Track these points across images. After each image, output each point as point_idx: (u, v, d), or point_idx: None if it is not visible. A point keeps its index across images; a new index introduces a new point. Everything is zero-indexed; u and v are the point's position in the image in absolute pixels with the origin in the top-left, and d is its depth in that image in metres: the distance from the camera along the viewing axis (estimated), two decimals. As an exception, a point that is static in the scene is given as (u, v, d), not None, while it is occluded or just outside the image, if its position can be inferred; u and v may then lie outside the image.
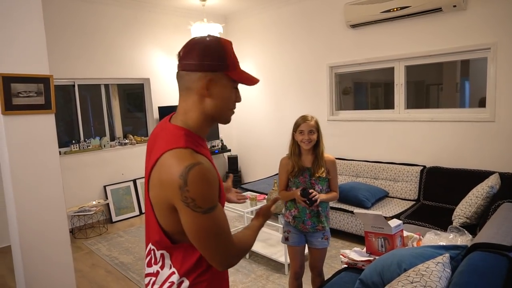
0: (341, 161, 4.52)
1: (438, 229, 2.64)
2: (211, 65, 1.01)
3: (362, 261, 2.30)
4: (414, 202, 3.74)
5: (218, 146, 5.98)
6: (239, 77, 1.07)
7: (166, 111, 5.15)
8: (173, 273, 1.05)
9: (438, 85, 4.36)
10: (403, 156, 4.13)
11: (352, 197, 3.69)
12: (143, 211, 5.02)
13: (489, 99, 3.49)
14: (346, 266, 2.37)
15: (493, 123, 3.47)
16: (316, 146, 2.18)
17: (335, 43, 4.57)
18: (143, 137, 5.27)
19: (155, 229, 1.05)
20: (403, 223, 3.17)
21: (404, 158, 4.11)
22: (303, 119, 2.17)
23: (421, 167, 3.86)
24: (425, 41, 3.79)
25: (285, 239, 2.30)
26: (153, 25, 5.16)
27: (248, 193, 4.03)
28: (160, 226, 1.03)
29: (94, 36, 4.58)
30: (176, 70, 1.07)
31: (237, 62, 1.08)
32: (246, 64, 5.78)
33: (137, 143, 5.09)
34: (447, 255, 1.72)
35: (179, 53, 1.05)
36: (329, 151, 4.64)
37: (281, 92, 5.35)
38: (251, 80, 1.10)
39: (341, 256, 2.44)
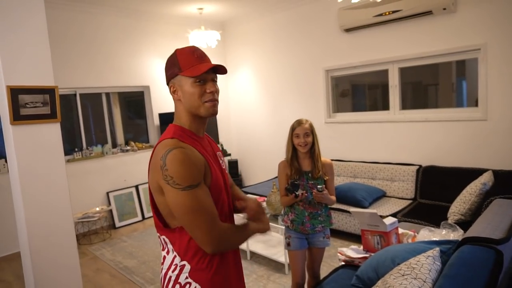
0: (339, 162, 4.60)
1: (433, 226, 2.72)
2: (171, 74, 1.20)
3: (358, 258, 2.38)
4: (411, 201, 3.82)
5: (218, 150, 6.07)
6: (189, 73, 1.15)
7: (166, 118, 5.24)
8: (175, 256, 1.17)
9: (435, 85, 4.44)
10: (399, 156, 4.21)
11: (350, 197, 3.76)
12: (146, 216, 5.10)
13: (481, 99, 3.57)
14: (343, 263, 2.45)
15: (486, 122, 3.55)
16: (312, 150, 2.24)
17: (330, 47, 4.67)
18: (144, 144, 5.36)
19: (154, 214, 1.20)
20: (400, 221, 3.25)
21: (401, 158, 4.19)
22: (298, 123, 2.24)
23: (417, 167, 3.94)
24: (417, 43, 3.88)
25: (287, 245, 2.30)
26: (151, 33, 5.27)
27: (248, 196, 4.11)
28: (156, 210, 1.18)
29: (94, 45, 4.69)
30: None
31: (192, 60, 1.17)
32: (244, 69, 5.88)
33: (138, 150, 5.18)
34: (438, 248, 1.80)
35: None
36: (327, 152, 4.75)
37: (279, 96, 5.45)
38: (198, 71, 1.15)
39: (338, 254, 2.52)
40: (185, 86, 1.16)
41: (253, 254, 3.55)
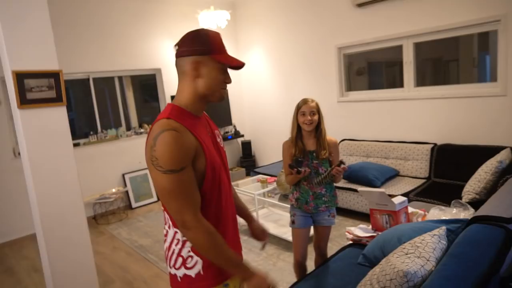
0: (352, 141, 4.53)
1: (445, 205, 2.66)
2: (198, 50, 1.15)
3: (366, 237, 2.37)
4: (424, 180, 3.74)
5: (231, 132, 6.08)
6: (224, 60, 1.17)
7: (178, 100, 5.26)
8: (176, 232, 1.20)
9: (456, 61, 4.23)
10: (413, 134, 4.10)
11: (361, 177, 3.72)
12: (161, 197, 5.21)
13: (500, 73, 3.41)
14: (351, 242, 2.44)
15: (505, 98, 3.39)
16: (318, 130, 2.21)
17: (342, 23, 4.52)
18: (157, 126, 5.42)
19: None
20: (412, 200, 3.20)
21: (415, 137, 4.09)
22: (304, 101, 2.21)
23: (432, 145, 3.84)
24: (432, 17, 3.71)
25: (292, 223, 2.31)
26: (161, 15, 5.24)
27: (259, 176, 4.13)
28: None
29: (106, 29, 4.71)
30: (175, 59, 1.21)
31: (224, 49, 1.20)
32: (255, 50, 5.80)
33: (152, 132, 5.25)
34: (444, 227, 1.76)
35: (177, 44, 1.19)
36: (340, 132, 4.70)
37: (290, 76, 5.36)
38: (235, 63, 1.18)
39: (346, 233, 2.51)
40: (212, 70, 1.16)
41: (264, 234, 3.58)
